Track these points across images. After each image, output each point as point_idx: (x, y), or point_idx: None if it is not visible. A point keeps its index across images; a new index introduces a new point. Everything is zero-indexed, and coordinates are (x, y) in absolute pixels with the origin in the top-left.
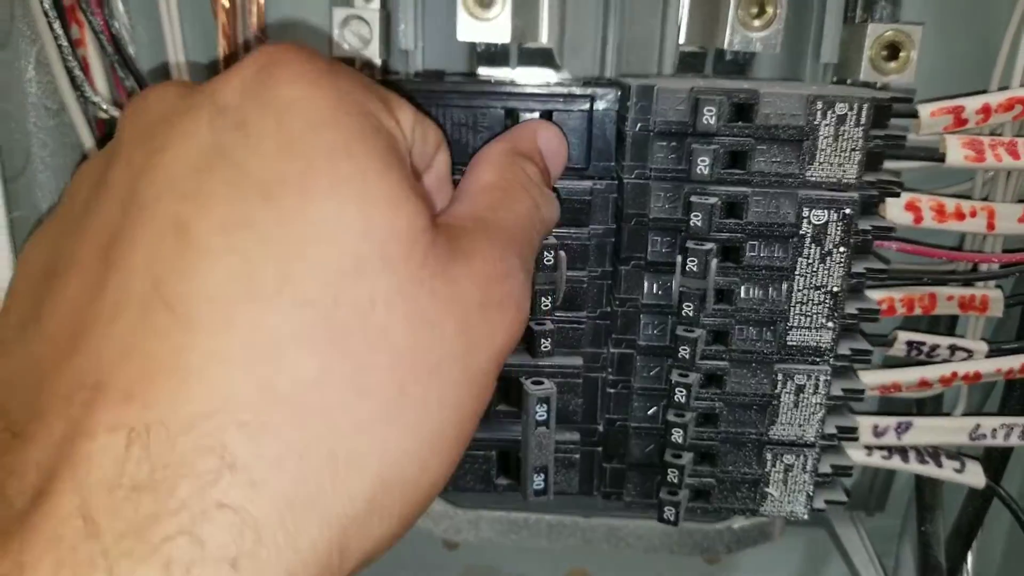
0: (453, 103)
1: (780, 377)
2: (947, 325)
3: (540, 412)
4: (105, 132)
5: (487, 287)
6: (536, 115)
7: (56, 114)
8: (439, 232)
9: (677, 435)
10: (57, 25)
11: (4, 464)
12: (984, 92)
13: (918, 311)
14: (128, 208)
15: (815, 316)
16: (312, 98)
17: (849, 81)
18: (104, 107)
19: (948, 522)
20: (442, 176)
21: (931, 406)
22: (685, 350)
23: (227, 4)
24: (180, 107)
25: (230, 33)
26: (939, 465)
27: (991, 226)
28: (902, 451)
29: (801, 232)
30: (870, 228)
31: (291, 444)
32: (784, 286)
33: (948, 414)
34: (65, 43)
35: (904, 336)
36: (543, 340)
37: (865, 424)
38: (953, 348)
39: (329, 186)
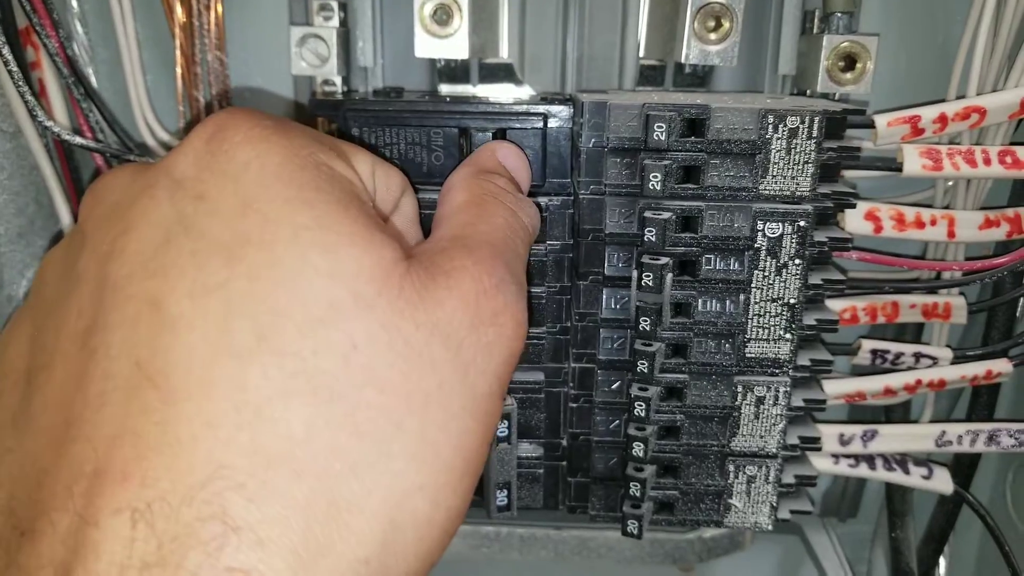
0: (407, 123)
1: (740, 389)
2: (913, 333)
3: (501, 428)
4: (64, 154)
5: (477, 304)
6: (490, 136)
7: (13, 137)
8: (415, 261)
9: (638, 448)
10: (7, 50)
11: (20, 565)
12: (941, 101)
13: (882, 319)
14: (101, 293)
15: (773, 328)
16: (264, 156)
17: (808, 92)
18: (56, 131)
19: (920, 528)
20: (410, 218)
21: (899, 413)
22: (643, 364)
23: (183, 19)
24: (137, 187)
25: (188, 52)
26: (906, 472)
27: (952, 234)
28: (869, 459)
29: (756, 245)
30: (827, 240)
31: (291, 500)
32: (741, 299)
33: (915, 421)
34: (16, 68)
35: (868, 344)
36: None
37: (831, 433)
38: (918, 356)
39: (290, 236)
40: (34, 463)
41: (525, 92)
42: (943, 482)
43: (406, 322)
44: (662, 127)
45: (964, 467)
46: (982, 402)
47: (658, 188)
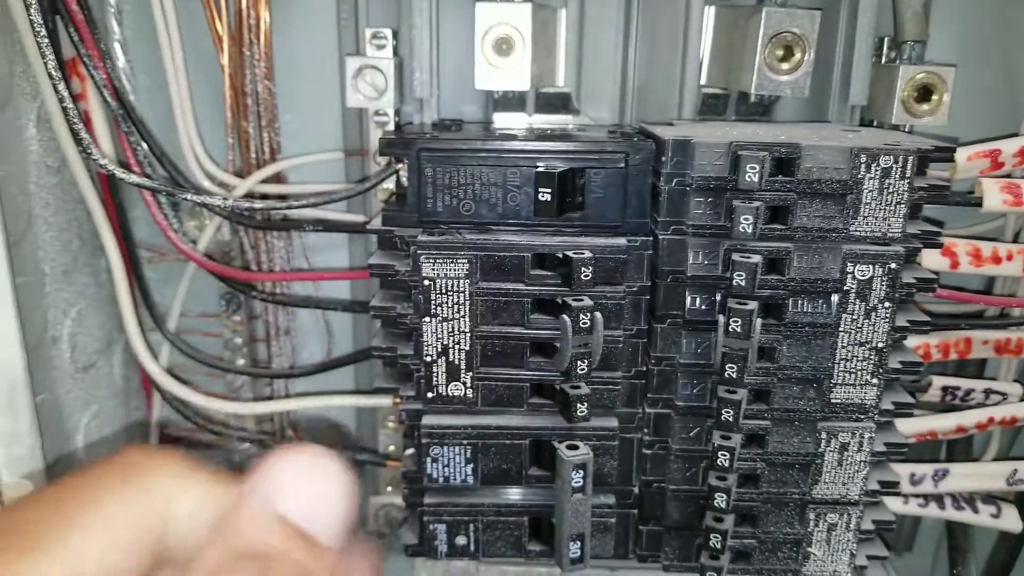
0: (484, 163)
1: (824, 435)
2: (976, 366)
3: (576, 479)
4: (109, 185)
5: None
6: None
7: (57, 171)
8: None
9: (720, 499)
10: (62, 87)
11: None
12: (1016, 135)
13: (954, 356)
14: None
15: (860, 372)
16: None
17: (875, 123)
18: (111, 169)
19: (980, 561)
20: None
21: (962, 447)
22: (728, 412)
23: (233, 50)
24: None
25: (238, 83)
26: (975, 511)
27: None
28: (938, 498)
29: (845, 288)
30: (915, 280)
31: None
32: (828, 343)
33: (977, 458)
34: (71, 105)
35: (939, 382)
36: (579, 405)
37: (902, 472)
38: (988, 392)
39: None
40: None
41: (582, 121)
42: (1012, 521)
43: None
44: (755, 168)
45: None
46: None
47: (749, 231)
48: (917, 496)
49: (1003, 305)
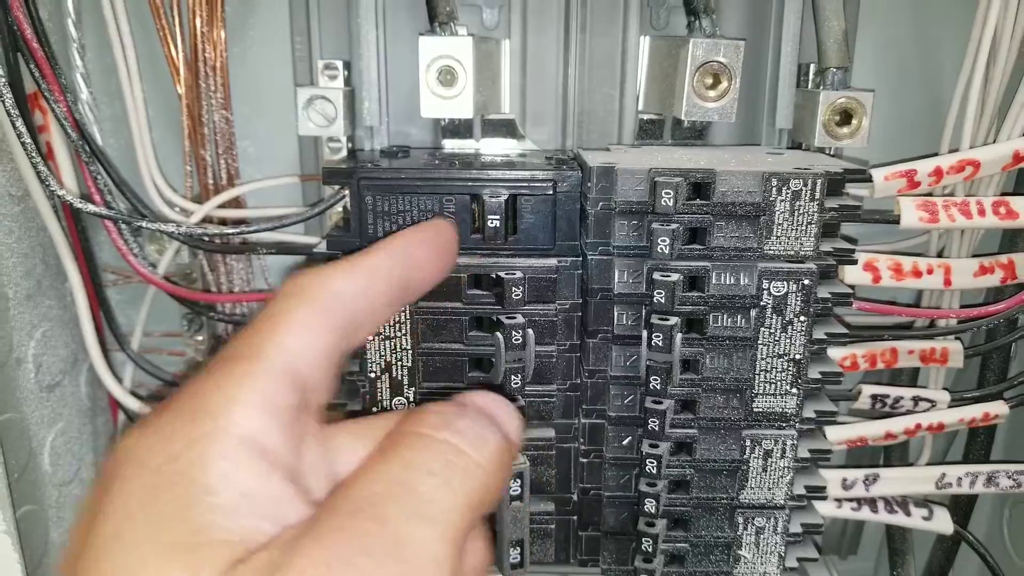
0: (420, 191)
1: (748, 443)
2: (910, 374)
3: (514, 487)
4: (71, 211)
5: None
6: (502, 201)
7: (21, 200)
8: None
9: (650, 505)
10: (20, 123)
11: None
12: (935, 155)
13: (881, 365)
14: None
15: (779, 383)
16: None
17: (804, 146)
18: (69, 200)
19: (920, 564)
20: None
21: (898, 453)
22: (654, 422)
23: (190, 81)
24: None
25: (195, 113)
26: (908, 514)
27: (948, 282)
28: (871, 502)
29: (762, 303)
30: (830, 295)
31: None
32: (748, 355)
33: (912, 464)
34: (29, 140)
35: (868, 390)
36: None
37: (834, 477)
38: (916, 399)
39: None
40: None
41: (527, 146)
42: (944, 523)
43: None
44: (670, 193)
45: (962, 505)
46: (979, 442)
47: (666, 252)
48: (850, 500)
49: (924, 316)
